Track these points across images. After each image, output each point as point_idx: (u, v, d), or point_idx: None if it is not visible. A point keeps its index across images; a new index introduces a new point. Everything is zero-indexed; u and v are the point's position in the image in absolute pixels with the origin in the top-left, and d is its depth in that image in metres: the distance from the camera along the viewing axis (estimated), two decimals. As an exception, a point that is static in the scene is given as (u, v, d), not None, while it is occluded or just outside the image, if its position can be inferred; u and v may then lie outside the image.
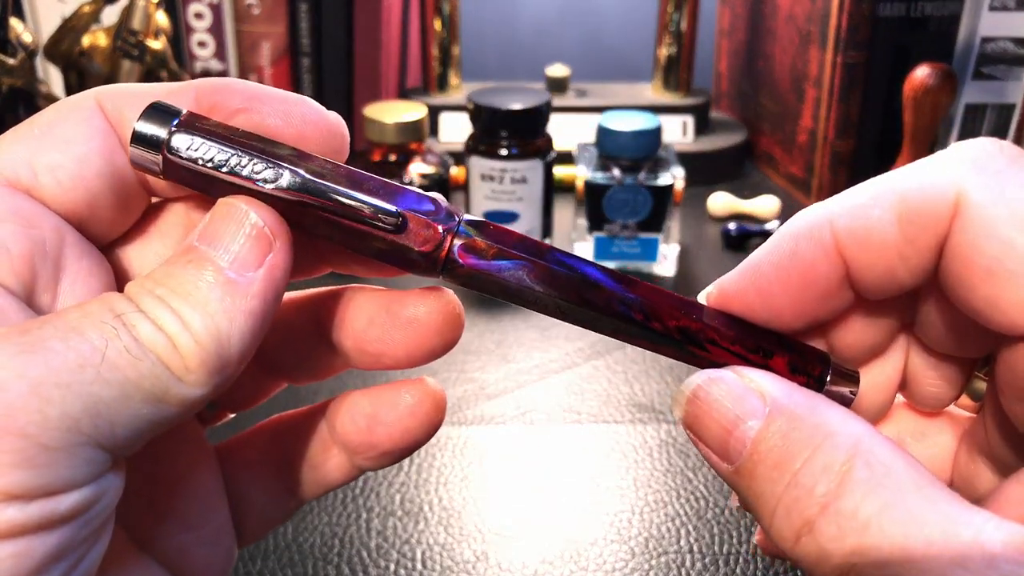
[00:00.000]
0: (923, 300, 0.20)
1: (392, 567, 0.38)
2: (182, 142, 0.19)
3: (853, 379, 0.21)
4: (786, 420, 0.17)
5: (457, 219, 0.20)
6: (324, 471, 0.24)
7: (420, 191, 0.20)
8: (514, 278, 0.20)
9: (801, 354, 0.21)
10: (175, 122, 0.19)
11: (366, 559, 0.39)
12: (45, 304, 0.18)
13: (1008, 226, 0.16)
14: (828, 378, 0.20)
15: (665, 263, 0.63)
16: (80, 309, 0.17)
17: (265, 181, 0.19)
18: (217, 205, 0.19)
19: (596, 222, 0.62)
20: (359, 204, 0.19)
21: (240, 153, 0.19)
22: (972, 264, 0.17)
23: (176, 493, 0.22)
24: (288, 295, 0.23)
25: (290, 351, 0.24)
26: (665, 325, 0.20)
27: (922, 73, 0.60)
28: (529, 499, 0.42)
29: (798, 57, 0.75)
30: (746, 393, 0.18)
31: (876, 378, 0.22)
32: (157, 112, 0.19)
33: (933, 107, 0.61)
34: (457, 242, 0.20)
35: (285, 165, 0.19)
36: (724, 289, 0.21)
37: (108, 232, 0.20)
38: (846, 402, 0.20)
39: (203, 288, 0.17)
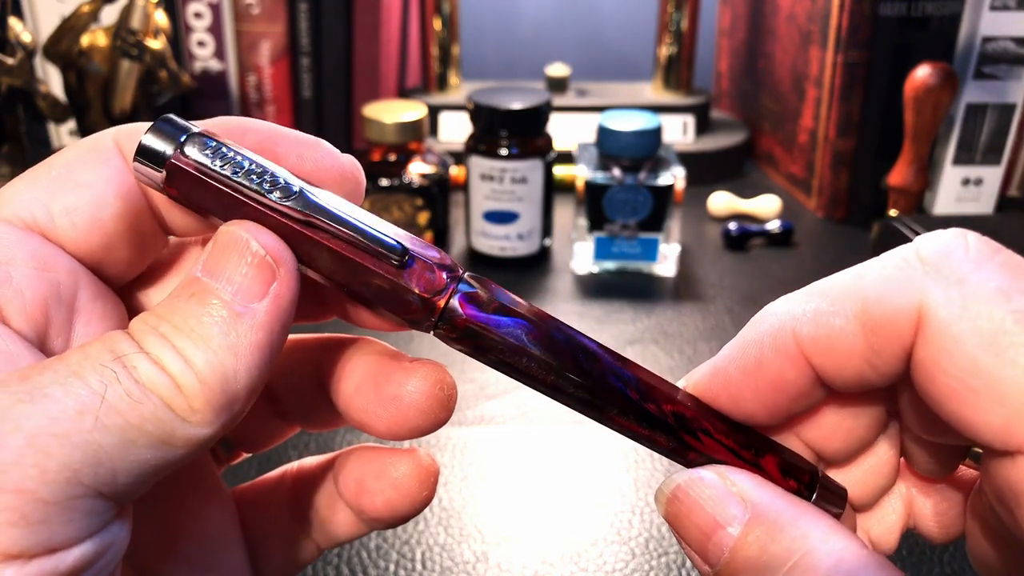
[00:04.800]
0: (901, 393, 0.20)
1: (392, 567, 0.38)
2: (192, 150, 0.18)
3: (840, 497, 0.20)
4: (765, 530, 0.17)
5: (460, 271, 0.19)
6: (332, 525, 0.23)
7: (423, 240, 0.19)
8: (512, 336, 0.19)
9: (791, 459, 0.20)
10: (188, 133, 0.18)
11: (366, 559, 0.39)
12: (58, 348, 0.18)
13: (972, 345, 0.16)
14: (816, 489, 0.20)
15: (665, 263, 0.63)
16: (81, 351, 0.16)
17: (276, 196, 0.18)
18: (218, 234, 0.18)
19: (596, 222, 0.62)
20: (367, 232, 0.18)
21: (255, 164, 0.18)
22: (938, 382, 0.16)
23: (186, 533, 0.22)
24: (292, 338, 0.22)
25: (295, 398, 0.23)
26: (660, 408, 0.19)
27: (923, 73, 0.60)
28: (529, 499, 0.42)
29: (799, 57, 0.75)
30: (727, 497, 0.18)
31: (871, 461, 0.21)
32: (167, 125, 0.18)
33: (934, 107, 0.61)
34: (458, 294, 0.19)
35: (298, 182, 0.18)
36: (695, 388, 0.20)
37: (124, 274, 0.20)
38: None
39: (206, 323, 0.17)
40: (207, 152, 0.18)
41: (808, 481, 0.20)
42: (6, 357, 0.17)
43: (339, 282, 0.19)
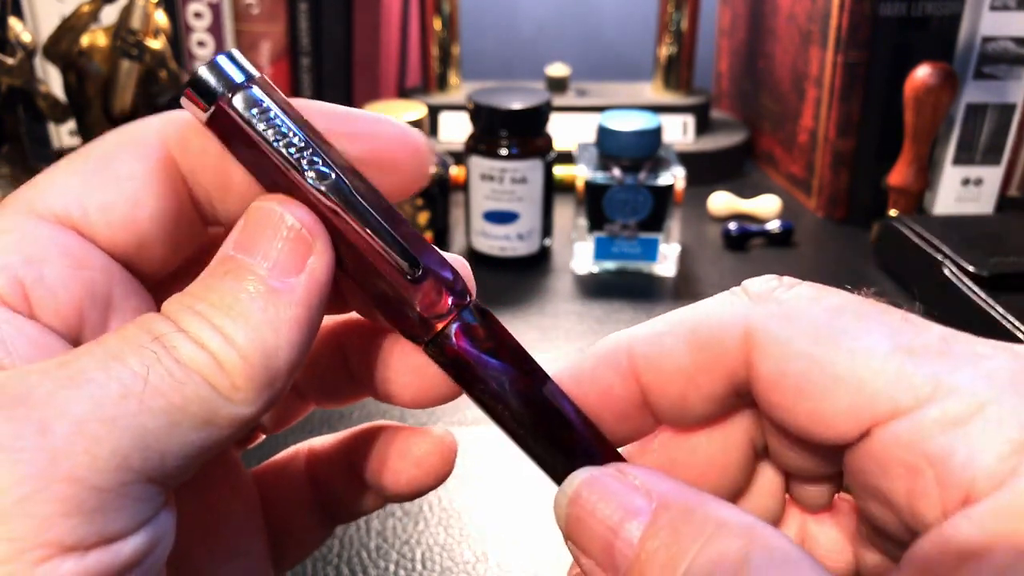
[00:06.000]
0: (768, 436, 0.20)
1: (392, 567, 0.38)
2: (240, 102, 0.17)
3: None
4: (676, 513, 0.16)
5: (468, 299, 0.19)
6: (350, 502, 0.23)
7: (444, 256, 0.19)
8: (496, 381, 0.19)
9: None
10: (245, 79, 0.18)
11: (366, 559, 0.39)
12: None
13: (802, 342, 0.17)
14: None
15: (665, 263, 0.63)
16: (118, 335, 0.16)
17: (311, 177, 0.18)
18: (249, 210, 0.18)
19: (596, 222, 0.62)
20: (387, 238, 0.18)
21: (299, 139, 0.18)
22: (783, 387, 0.17)
23: (217, 522, 0.21)
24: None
25: (315, 375, 0.23)
26: None
27: (923, 73, 0.60)
28: (529, 499, 0.42)
29: (799, 56, 0.75)
30: (631, 491, 0.17)
31: (756, 499, 0.21)
32: (229, 62, 0.18)
33: (934, 107, 0.61)
34: (457, 323, 0.19)
35: (336, 170, 0.18)
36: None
37: (159, 270, 0.19)
38: None
39: (244, 300, 0.16)
40: (255, 111, 0.18)
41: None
42: (43, 350, 0.16)
43: (349, 274, 0.19)
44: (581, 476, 0.18)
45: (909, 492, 0.16)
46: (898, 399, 0.16)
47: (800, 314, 0.17)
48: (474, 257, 0.65)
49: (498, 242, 0.63)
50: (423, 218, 0.63)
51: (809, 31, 0.72)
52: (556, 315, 0.58)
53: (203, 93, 0.18)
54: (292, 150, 0.18)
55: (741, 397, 0.19)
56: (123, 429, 0.14)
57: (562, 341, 0.54)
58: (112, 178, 0.18)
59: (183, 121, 0.19)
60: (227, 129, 0.18)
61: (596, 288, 0.62)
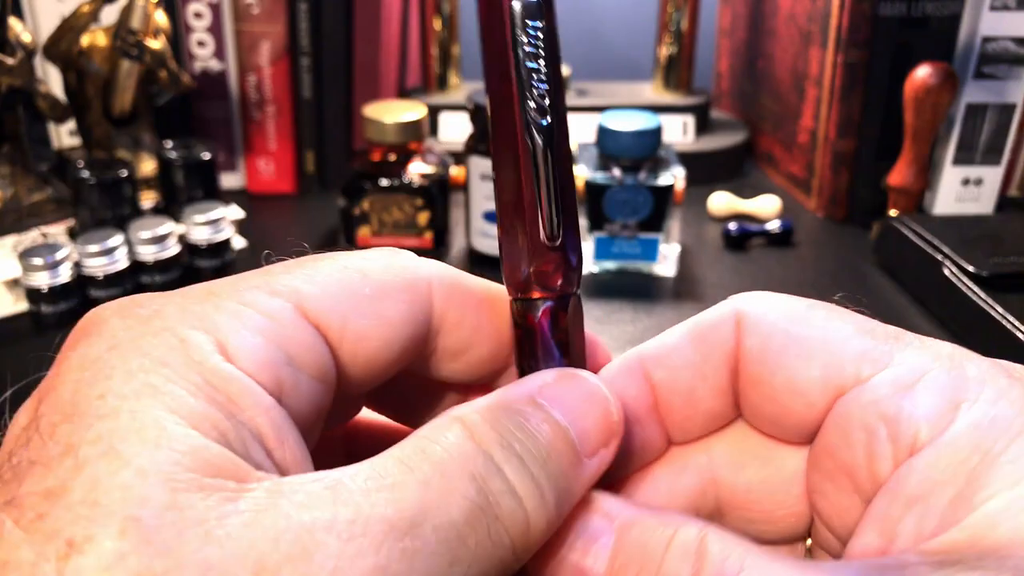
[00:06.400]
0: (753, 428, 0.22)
1: (392, 568, 0.38)
2: (526, 7, 0.18)
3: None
4: (639, 528, 0.17)
5: (574, 291, 0.20)
6: None
7: (581, 244, 0.20)
8: (545, 366, 0.20)
9: None
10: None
11: (366, 560, 0.39)
12: (282, 458, 0.16)
13: (781, 323, 0.20)
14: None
15: (665, 263, 0.63)
16: (439, 469, 0.15)
17: (531, 107, 0.18)
18: (582, 382, 0.18)
19: (596, 222, 0.62)
20: (551, 199, 0.19)
21: (544, 72, 0.18)
22: (764, 360, 0.20)
23: None
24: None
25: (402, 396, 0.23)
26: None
27: (923, 73, 0.60)
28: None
29: (799, 56, 0.75)
30: (589, 516, 0.18)
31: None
32: None
33: (934, 107, 0.61)
34: (551, 303, 0.20)
35: (556, 117, 0.18)
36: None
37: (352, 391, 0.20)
38: None
39: (555, 461, 0.17)
40: (529, 19, 0.18)
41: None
42: (300, 456, 0.16)
43: (501, 199, 0.19)
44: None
45: (867, 454, 0.18)
46: (859, 369, 0.19)
47: (781, 302, 0.20)
48: (474, 257, 0.65)
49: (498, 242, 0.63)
50: (423, 218, 0.63)
51: (809, 31, 0.72)
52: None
53: None
54: (534, 76, 0.18)
55: (735, 400, 0.21)
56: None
57: (562, 341, 0.54)
58: (378, 315, 0.18)
59: (454, 277, 0.20)
60: (492, 16, 0.18)
61: (596, 288, 0.62)
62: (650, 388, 0.21)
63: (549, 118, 0.18)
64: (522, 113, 0.18)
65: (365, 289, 0.18)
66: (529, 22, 0.18)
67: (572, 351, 0.20)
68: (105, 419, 0.14)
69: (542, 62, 0.18)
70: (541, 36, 0.18)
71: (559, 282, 0.19)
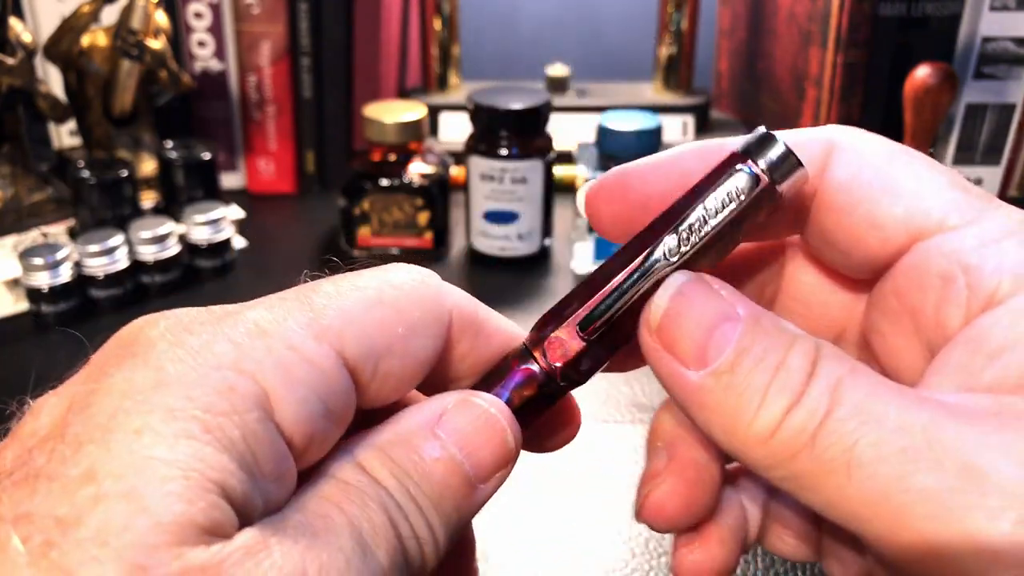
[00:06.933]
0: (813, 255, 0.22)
1: (392, 567, 0.38)
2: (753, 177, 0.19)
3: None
4: (768, 319, 0.18)
5: (561, 384, 0.21)
6: None
7: (593, 371, 0.21)
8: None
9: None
10: (781, 164, 0.19)
11: (366, 559, 0.39)
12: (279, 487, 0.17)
13: (876, 159, 0.20)
14: None
15: (665, 263, 0.63)
16: (364, 513, 0.17)
17: (666, 250, 0.19)
18: (473, 408, 0.19)
19: (596, 222, 0.62)
20: (614, 316, 0.20)
21: (698, 231, 0.19)
22: (850, 190, 0.20)
23: None
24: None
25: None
26: None
27: (923, 73, 0.60)
28: (529, 499, 0.42)
29: (799, 56, 0.75)
30: (726, 299, 0.18)
31: None
32: (779, 151, 0.19)
33: (934, 107, 0.61)
34: (541, 374, 0.20)
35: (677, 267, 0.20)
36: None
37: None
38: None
39: (448, 499, 0.18)
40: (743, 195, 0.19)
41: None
42: (282, 481, 0.17)
43: (595, 273, 0.20)
44: (682, 278, 0.19)
45: (939, 300, 0.18)
46: (946, 218, 0.19)
47: (878, 140, 0.20)
48: (474, 257, 0.65)
49: (498, 242, 0.63)
50: (423, 218, 0.63)
51: (809, 31, 0.72)
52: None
53: (777, 160, 0.19)
54: (695, 224, 0.19)
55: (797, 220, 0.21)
56: None
57: (562, 341, 0.54)
58: (407, 354, 0.19)
59: (473, 310, 0.21)
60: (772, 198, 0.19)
61: (596, 288, 0.62)
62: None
63: (674, 263, 0.19)
64: (658, 245, 0.19)
65: (399, 328, 0.19)
66: (740, 197, 0.19)
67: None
68: (135, 455, 0.14)
69: (707, 223, 0.19)
70: (726, 213, 0.19)
71: (558, 360, 0.20)
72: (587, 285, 0.20)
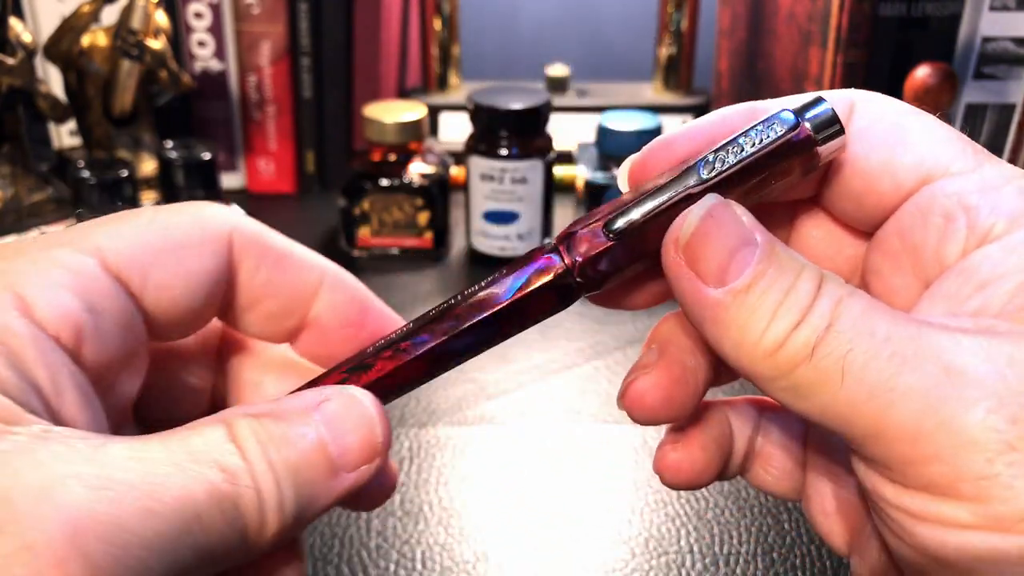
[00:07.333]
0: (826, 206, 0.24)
1: (392, 567, 0.38)
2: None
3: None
4: (780, 247, 0.19)
5: (576, 278, 0.22)
6: None
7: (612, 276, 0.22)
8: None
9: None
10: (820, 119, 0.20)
11: (366, 559, 0.39)
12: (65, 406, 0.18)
13: (892, 115, 0.22)
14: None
15: (665, 263, 0.63)
16: (189, 449, 0.17)
17: (704, 173, 0.21)
18: (344, 396, 0.20)
19: (596, 222, 0.62)
20: (642, 220, 0.21)
21: (729, 162, 0.21)
22: (868, 139, 0.21)
23: None
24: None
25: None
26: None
27: (922, 73, 0.60)
28: (529, 499, 0.42)
29: (799, 56, 0.75)
30: (747, 223, 0.19)
31: None
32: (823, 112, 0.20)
33: (934, 107, 0.61)
34: (556, 274, 0.22)
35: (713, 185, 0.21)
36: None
37: (168, 337, 0.22)
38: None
39: (308, 470, 0.18)
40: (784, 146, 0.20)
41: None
42: (84, 403, 0.18)
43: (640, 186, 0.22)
44: (713, 200, 0.20)
45: (940, 237, 0.20)
46: (952, 164, 0.21)
47: (893, 100, 0.22)
48: (474, 257, 0.65)
49: (498, 242, 0.63)
50: (423, 218, 0.63)
51: (809, 31, 0.72)
52: (556, 315, 0.58)
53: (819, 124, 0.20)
54: (727, 153, 0.21)
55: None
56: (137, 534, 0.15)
57: (563, 340, 0.54)
58: (178, 265, 0.20)
59: (255, 231, 0.21)
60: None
61: (596, 288, 0.62)
62: None
63: (707, 181, 0.20)
64: (695, 164, 0.21)
65: (167, 242, 0.20)
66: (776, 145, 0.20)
67: (518, 303, 0.22)
68: None
69: (743, 151, 0.20)
70: (762, 145, 0.20)
71: (580, 255, 0.21)
72: (627, 198, 0.21)
